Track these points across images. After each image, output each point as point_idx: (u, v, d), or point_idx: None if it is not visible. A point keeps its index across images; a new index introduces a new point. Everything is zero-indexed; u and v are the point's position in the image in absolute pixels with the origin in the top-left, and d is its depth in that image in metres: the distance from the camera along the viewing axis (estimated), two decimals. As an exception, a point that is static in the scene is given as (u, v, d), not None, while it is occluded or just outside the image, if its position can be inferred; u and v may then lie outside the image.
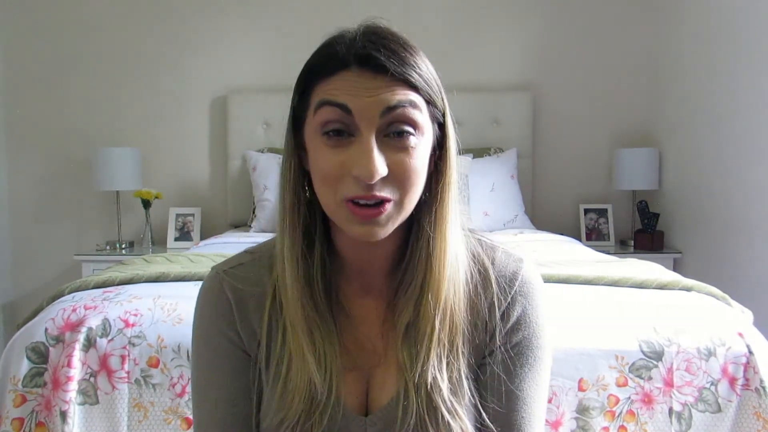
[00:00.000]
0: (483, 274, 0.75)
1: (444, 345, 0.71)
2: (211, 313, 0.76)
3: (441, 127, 0.70)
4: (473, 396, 0.72)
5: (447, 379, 0.70)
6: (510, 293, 0.75)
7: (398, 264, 0.75)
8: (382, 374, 0.74)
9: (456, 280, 0.72)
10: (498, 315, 0.74)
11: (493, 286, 0.74)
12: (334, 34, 0.69)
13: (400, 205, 0.67)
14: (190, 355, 0.81)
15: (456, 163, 0.72)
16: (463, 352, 0.72)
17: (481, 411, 0.73)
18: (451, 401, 0.70)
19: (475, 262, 0.75)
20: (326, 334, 0.71)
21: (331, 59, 0.65)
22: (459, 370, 0.71)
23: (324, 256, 0.73)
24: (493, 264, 0.76)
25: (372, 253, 0.73)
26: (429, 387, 0.69)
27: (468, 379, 0.72)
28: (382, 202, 0.65)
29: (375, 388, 0.75)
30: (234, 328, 0.75)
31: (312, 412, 0.70)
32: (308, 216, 0.72)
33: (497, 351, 0.74)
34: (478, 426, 0.73)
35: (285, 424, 0.71)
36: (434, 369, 0.69)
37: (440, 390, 0.69)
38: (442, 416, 0.69)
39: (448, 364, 0.71)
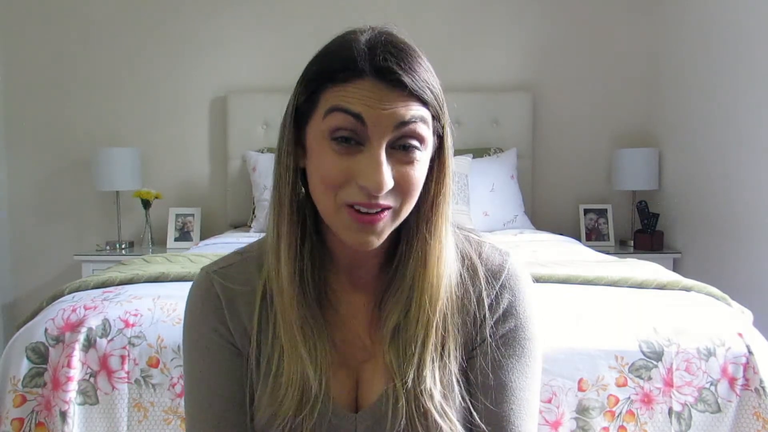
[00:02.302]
0: (471, 270, 0.76)
1: (436, 349, 0.71)
2: (201, 311, 0.77)
3: (439, 138, 0.71)
4: (464, 398, 0.73)
5: (439, 383, 0.71)
6: (497, 285, 0.76)
7: (388, 263, 0.75)
8: (371, 371, 0.75)
9: (449, 285, 0.72)
10: (486, 307, 0.75)
11: (481, 279, 0.75)
12: (347, 34, 0.68)
13: (397, 213, 0.68)
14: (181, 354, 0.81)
15: (452, 174, 0.73)
16: (455, 356, 0.73)
17: (472, 411, 0.73)
18: (441, 404, 0.70)
19: (463, 259, 0.76)
20: (316, 330, 0.72)
21: (346, 65, 0.65)
22: (450, 373, 0.72)
23: (314, 253, 0.74)
24: (480, 258, 0.77)
25: (362, 252, 0.74)
26: (419, 391, 0.70)
27: (459, 383, 0.73)
28: (383, 209, 0.66)
29: (364, 385, 0.75)
30: (225, 325, 0.76)
31: (303, 407, 0.71)
32: (298, 211, 0.73)
33: (485, 344, 0.74)
34: (468, 425, 0.73)
35: (277, 420, 0.71)
36: (427, 374, 0.70)
37: (431, 395, 0.70)
38: (433, 418, 0.69)
39: (439, 368, 0.71)
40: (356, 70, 0.64)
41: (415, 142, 0.66)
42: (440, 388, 0.71)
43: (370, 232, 0.67)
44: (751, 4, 2.32)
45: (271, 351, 0.73)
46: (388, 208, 0.67)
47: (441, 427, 0.70)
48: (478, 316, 0.75)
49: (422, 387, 0.70)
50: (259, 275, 0.75)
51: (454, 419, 0.71)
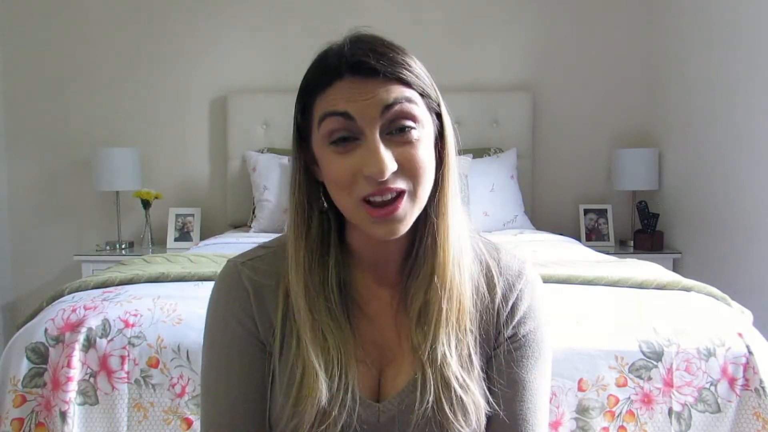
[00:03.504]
0: (488, 269, 0.78)
1: (452, 324, 0.73)
2: (228, 302, 0.77)
3: (438, 117, 0.74)
4: (482, 380, 0.75)
5: (456, 355, 0.73)
6: (517, 288, 0.78)
7: (410, 255, 0.77)
8: (396, 368, 0.76)
9: (460, 261, 0.74)
10: (507, 309, 0.77)
11: (501, 281, 0.78)
12: (323, 48, 0.72)
13: (414, 195, 0.69)
14: (201, 346, 0.81)
15: (454, 149, 0.75)
16: (471, 330, 0.75)
17: (489, 397, 0.74)
18: (462, 377, 0.72)
19: (480, 258, 0.78)
20: (340, 337, 0.73)
21: (325, 72, 0.69)
22: (468, 347, 0.74)
23: (338, 261, 0.76)
24: (498, 262, 0.79)
25: (387, 248, 0.76)
26: (440, 363, 0.71)
27: (477, 356, 0.75)
28: (398, 196, 0.68)
29: (387, 381, 0.77)
30: (251, 317, 0.76)
31: (325, 419, 0.71)
32: (321, 224, 0.75)
33: (506, 343, 0.77)
34: (487, 414, 0.75)
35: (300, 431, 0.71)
36: (443, 346, 0.72)
37: (450, 366, 0.72)
38: (455, 392, 0.71)
39: (457, 342, 0.73)
40: (334, 74, 0.68)
41: (407, 122, 0.68)
42: (458, 360, 0.73)
43: (393, 220, 0.68)
44: (751, 4, 2.32)
45: (295, 360, 0.73)
46: (402, 192, 0.68)
47: (463, 401, 0.71)
48: (498, 316, 0.77)
49: (440, 356, 0.71)
50: (284, 269, 0.77)
51: (476, 393, 0.72)
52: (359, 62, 0.67)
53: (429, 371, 0.72)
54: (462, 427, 0.71)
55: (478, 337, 0.76)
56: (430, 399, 0.71)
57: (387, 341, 0.77)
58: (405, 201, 0.69)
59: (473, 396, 0.72)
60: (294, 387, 0.72)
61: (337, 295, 0.74)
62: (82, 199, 3.14)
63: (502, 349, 0.77)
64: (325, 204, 0.75)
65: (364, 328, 0.77)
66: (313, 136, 0.71)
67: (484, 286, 0.77)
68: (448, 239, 0.73)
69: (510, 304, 0.78)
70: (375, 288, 0.78)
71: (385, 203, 0.68)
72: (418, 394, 0.72)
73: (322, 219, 0.75)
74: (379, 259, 0.77)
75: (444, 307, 0.72)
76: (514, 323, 0.77)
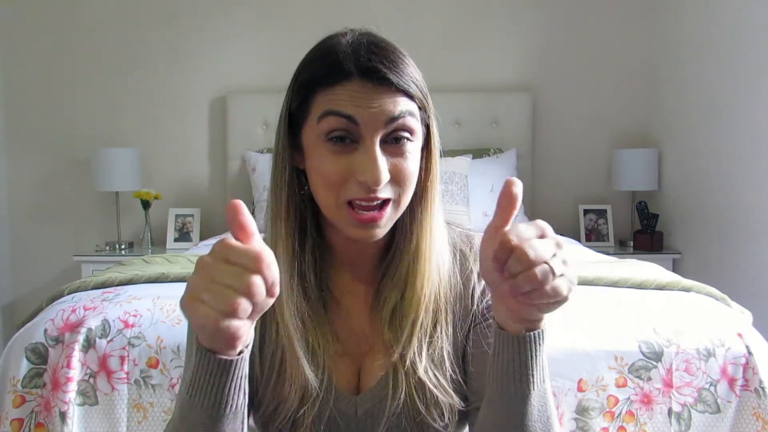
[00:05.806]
0: (462, 256, 0.80)
1: (427, 327, 0.75)
2: None
3: (426, 126, 0.75)
4: (455, 371, 0.76)
5: (431, 357, 0.75)
6: None
7: (387, 253, 0.78)
8: (372, 359, 0.78)
9: (440, 267, 0.76)
10: (481, 284, 0.79)
11: (474, 266, 0.79)
12: (328, 39, 0.71)
13: (398, 204, 0.71)
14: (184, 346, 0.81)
15: (438, 161, 0.77)
16: (446, 328, 0.76)
17: (463, 385, 0.76)
18: (436, 377, 0.74)
19: (456, 250, 0.80)
20: (318, 325, 0.75)
21: (334, 69, 0.68)
22: (442, 349, 0.76)
23: (315, 251, 0.77)
24: (471, 248, 0.81)
25: (364, 248, 0.77)
26: (414, 365, 0.73)
27: (450, 356, 0.76)
28: (383, 203, 0.69)
29: (365, 372, 0.78)
30: None
31: (305, 401, 0.73)
32: (299, 212, 0.75)
33: (483, 316, 0.78)
34: (461, 409, 0.76)
35: (281, 414, 0.73)
36: (416, 345, 0.73)
37: (421, 364, 0.74)
38: (429, 391, 0.73)
39: (430, 343, 0.75)
40: (343, 73, 0.67)
41: (405, 134, 0.69)
42: (432, 361, 0.74)
43: (374, 226, 0.69)
44: (751, 4, 2.32)
45: (275, 346, 0.75)
46: (388, 200, 0.69)
47: (438, 399, 0.73)
48: (472, 299, 0.78)
49: (413, 358, 0.73)
50: None
51: (450, 391, 0.74)
52: (373, 68, 0.67)
53: (401, 369, 0.74)
54: (434, 421, 0.74)
55: (453, 332, 0.77)
56: (402, 395, 0.73)
57: (362, 333, 0.79)
58: (389, 209, 0.70)
59: (448, 395, 0.74)
60: (275, 369, 0.74)
61: (314, 283, 0.75)
62: (81, 199, 3.14)
63: (480, 320, 0.77)
64: (306, 189, 0.74)
65: (341, 317, 0.78)
66: (307, 127, 0.71)
67: (458, 277, 0.78)
68: (431, 246, 0.74)
69: (483, 284, 0.78)
70: (350, 283, 0.80)
71: (370, 208, 0.68)
72: (390, 389, 0.74)
73: (300, 207, 0.75)
74: (355, 257, 0.78)
75: (417, 309, 0.74)
76: (486, 301, 0.78)
